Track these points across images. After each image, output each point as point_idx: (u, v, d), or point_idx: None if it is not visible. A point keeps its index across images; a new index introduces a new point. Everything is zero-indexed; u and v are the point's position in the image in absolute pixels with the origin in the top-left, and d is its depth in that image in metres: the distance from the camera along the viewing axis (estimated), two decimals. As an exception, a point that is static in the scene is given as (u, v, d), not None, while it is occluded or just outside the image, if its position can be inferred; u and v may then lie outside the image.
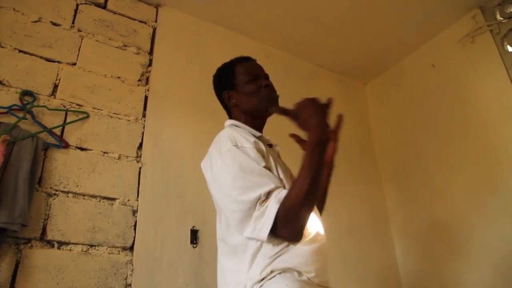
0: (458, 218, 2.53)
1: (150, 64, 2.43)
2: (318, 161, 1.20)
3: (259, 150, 1.30)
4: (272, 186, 1.18)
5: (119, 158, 2.10)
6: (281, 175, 1.32)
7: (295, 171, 1.26)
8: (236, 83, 1.54)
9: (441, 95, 2.81)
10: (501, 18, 2.52)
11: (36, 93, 1.99)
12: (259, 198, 1.15)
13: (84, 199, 1.93)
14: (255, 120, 1.53)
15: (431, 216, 2.69)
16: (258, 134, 1.45)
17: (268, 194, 1.16)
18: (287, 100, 2.93)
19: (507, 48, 2.47)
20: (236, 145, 1.28)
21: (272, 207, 1.13)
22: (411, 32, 2.90)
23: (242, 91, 1.52)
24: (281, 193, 1.16)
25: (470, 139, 2.56)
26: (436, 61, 2.90)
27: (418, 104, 2.97)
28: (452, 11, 2.72)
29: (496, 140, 2.43)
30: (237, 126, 1.47)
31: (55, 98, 2.05)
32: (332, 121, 2.95)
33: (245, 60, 1.59)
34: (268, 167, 1.27)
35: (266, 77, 1.59)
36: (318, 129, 1.23)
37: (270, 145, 1.48)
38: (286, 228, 1.13)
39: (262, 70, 1.59)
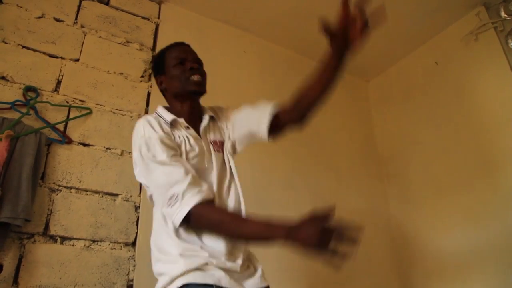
0: (461, 216, 2.52)
1: (153, 60, 2.44)
2: (261, 241, 1.26)
3: (163, 141, 1.32)
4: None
5: (121, 154, 2.10)
6: (191, 158, 1.36)
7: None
8: (165, 68, 1.55)
9: (444, 92, 2.80)
10: (506, 16, 2.51)
11: (39, 89, 2.00)
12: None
13: (87, 194, 1.94)
14: (183, 103, 1.52)
15: (434, 214, 2.69)
16: (170, 119, 1.44)
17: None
18: (288, 97, 2.93)
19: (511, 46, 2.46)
20: (143, 136, 1.35)
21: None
22: (414, 29, 2.89)
23: (169, 75, 1.53)
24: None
25: (473, 136, 2.56)
26: (440, 58, 2.89)
27: (421, 101, 2.96)
28: (456, 8, 2.71)
29: (500, 138, 2.42)
30: (156, 113, 1.49)
31: (58, 94, 2.05)
32: (333, 118, 2.92)
33: (177, 45, 1.60)
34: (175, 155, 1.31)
35: (196, 61, 1.56)
36: (310, 247, 1.14)
37: (187, 126, 1.46)
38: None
39: (193, 54, 1.58)
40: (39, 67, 2.05)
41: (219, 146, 1.50)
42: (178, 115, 1.47)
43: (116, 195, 2.01)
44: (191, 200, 1.20)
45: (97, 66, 2.23)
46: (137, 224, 2.00)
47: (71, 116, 2.03)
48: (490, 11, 2.60)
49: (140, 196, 2.06)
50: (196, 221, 1.22)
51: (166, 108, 1.51)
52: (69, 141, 1.98)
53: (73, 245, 1.81)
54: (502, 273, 2.25)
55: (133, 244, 1.95)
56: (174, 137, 1.39)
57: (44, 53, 2.10)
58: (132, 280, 1.88)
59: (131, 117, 2.21)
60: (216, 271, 1.22)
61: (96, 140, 2.07)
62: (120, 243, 1.92)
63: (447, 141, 2.70)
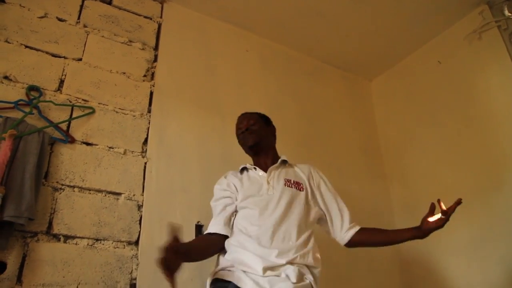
0: (464, 216, 2.50)
1: (155, 60, 2.44)
2: None
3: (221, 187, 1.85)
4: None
5: (124, 153, 2.11)
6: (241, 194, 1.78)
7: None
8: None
9: (447, 92, 2.79)
10: (509, 14, 2.50)
11: (43, 88, 2.00)
12: None
13: (90, 193, 1.94)
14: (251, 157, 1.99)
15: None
16: (242, 166, 1.92)
17: None
18: (291, 96, 2.96)
19: (515, 44, 2.45)
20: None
21: None
22: (417, 28, 2.89)
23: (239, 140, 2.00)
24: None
25: (476, 136, 2.55)
26: (443, 57, 2.88)
27: (424, 101, 2.95)
28: (459, 7, 2.70)
29: (503, 137, 2.41)
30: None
31: (61, 93, 2.06)
32: (336, 117, 2.92)
33: (238, 118, 2.01)
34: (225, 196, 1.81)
35: (248, 123, 1.93)
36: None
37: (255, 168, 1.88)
38: None
39: (246, 120, 1.95)
40: (42, 66, 2.06)
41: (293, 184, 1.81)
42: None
43: (119, 194, 2.01)
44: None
45: (100, 66, 2.23)
46: (140, 223, 2.00)
47: (74, 115, 2.04)
48: (493, 10, 2.59)
49: (143, 195, 2.07)
50: None
51: None
52: (72, 140, 1.98)
53: (76, 244, 1.81)
54: (506, 273, 2.25)
55: (136, 243, 1.96)
56: None
57: (47, 52, 2.10)
58: (135, 279, 1.88)
59: (134, 116, 2.21)
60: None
61: (99, 139, 2.07)
62: (123, 242, 1.93)
63: (450, 140, 2.69)
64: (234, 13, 2.80)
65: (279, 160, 1.88)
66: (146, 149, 2.18)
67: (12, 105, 1.86)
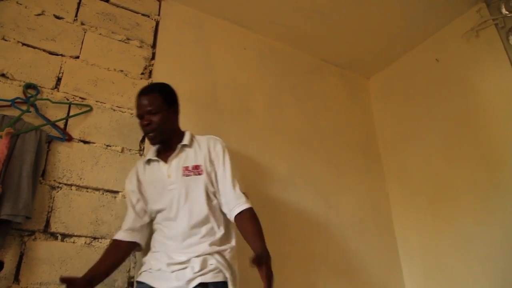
0: (461, 214, 2.52)
1: (153, 58, 2.44)
2: None
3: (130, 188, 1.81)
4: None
5: (122, 151, 2.10)
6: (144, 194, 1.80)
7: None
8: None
9: (445, 89, 2.80)
10: (507, 12, 2.50)
11: (40, 86, 2.00)
12: None
13: (87, 191, 1.94)
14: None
15: (434, 211, 2.69)
16: (148, 158, 1.84)
17: None
18: (289, 94, 2.95)
19: (512, 42, 2.46)
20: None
21: None
22: (415, 26, 2.89)
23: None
24: None
25: (474, 134, 2.55)
26: (440, 55, 2.88)
27: (422, 98, 2.96)
28: (457, 4, 2.70)
29: (500, 135, 2.42)
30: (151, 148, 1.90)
31: (58, 91, 2.05)
32: (334, 115, 2.93)
33: (137, 97, 1.81)
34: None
35: (148, 112, 1.76)
36: None
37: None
38: None
39: (144, 106, 1.77)
40: (39, 64, 2.05)
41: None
42: None
43: (117, 192, 2.01)
44: None
45: (97, 63, 2.23)
46: (137, 221, 2.00)
47: (71, 113, 2.03)
48: (491, 8, 2.59)
49: (140, 193, 2.06)
50: None
51: None
52: (69, 139, 1.98)
53: (73, 242, 1.81)
54: (502, 270, 2.25)
55: (134, 241, 1.95)
56: None
57: (44, 50, 2.09)
58: (133, 277, 1.88)
59: (132, 114, 2.21)
60: None
61: (96, 138, 2.07)
62: (120, 240, 1.92)
63: (448, 138, 2.70)
64: (232, 11, 2.79)
65: (178, 147, 1.79)
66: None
67: (9, 103, 1.85)
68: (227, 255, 1.66)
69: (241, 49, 2.88)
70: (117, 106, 2.19)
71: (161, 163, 1.78)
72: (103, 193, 1.97)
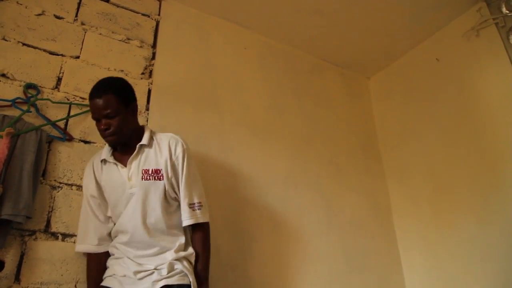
0: (462, 212, 2.52)
1: (153, 58, 2.44)
2: None
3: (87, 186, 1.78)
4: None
5: (122, 151, 2.10)
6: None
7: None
8: None
9: (445, 89, 2.80)
10: (507, 11, 2.50)
11: (40, 86, 2.00)
12: None
13: (88, 191, 1.94)
14: None
15: (435, 210, 2.69)
16: (103, 158, 1.75)
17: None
18: (289, 94, 2.95)
19: (513, 42, 2.45)
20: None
21: None
22: (415, 26, 2.89)
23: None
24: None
25: (474, 133, 2.55)
26: (441, 55, 2.88)
27: (422, 98, 2.96)
28: (457, 4, 2.70)
29: (501, 133, 2.42)
30: (105, 146, 1.82)
31: (58, 91, 2.05)
32: (334, 114, 2.94)
33: (90, 98, 1.66)
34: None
35: (106, 116, 1.64)
36: None
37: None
38: None
39: (100, 110, 1.63)
40: (39, 64, 2.05)
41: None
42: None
43: (117, 192, 2.01)
44: None
45: (98, 63, 2.23)
46: (138, 221, 2.00)
47: (71, 113, 2.03)
48: (491, 7, 2.59)
49: (141, 193, 2.06)
50: None
51: None
52: (70, 138, 1.98)
53: (74, 242, 1.81)
54: (503, 269, 2.25)
55: (134, 241, 1.95)
56: None
57: (44, 50, 2.09)
58: None
59: (132, 114, 2.21)
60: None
61: (96, 137, 2.05)
62: (121, 240, 1.92)
63: (448, 137, 2.70)
64: (233, 11, 2.79)
65: (137, 147, 1.71)
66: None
67: (9, 103, 1.85)
68: (192, 259, 1.67)
69: (241, 49, 2.88)
70: (117, 106, 2.18)
71: (119, 166, 1.71)
72: (103, 193, 1.97)
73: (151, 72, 2.39)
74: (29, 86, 1.96)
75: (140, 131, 1.78)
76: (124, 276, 1.59)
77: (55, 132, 1.94)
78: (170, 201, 1.70)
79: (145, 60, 2.39)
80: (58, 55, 2.12)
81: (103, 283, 1.63)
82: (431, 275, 2.62)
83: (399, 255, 2.86)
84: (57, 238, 1.79)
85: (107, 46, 2.30)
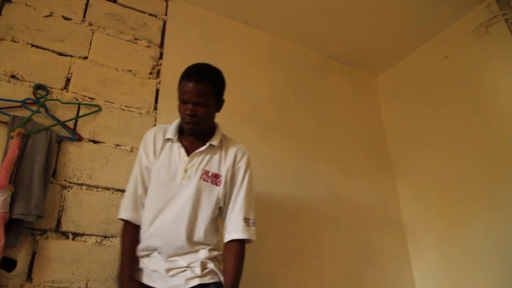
0: (471, 210, 2.50)
1: (160, 57, 2.44)
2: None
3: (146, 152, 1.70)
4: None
5: (131, 150, 2.11)
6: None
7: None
8: (178, 92, 1.68)
9: (454, 86, 2.77)
10: (516, 7, 2.48)
11: (49, 87, 2.01)
12: None
13: (98, 191, 1.95)
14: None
15: (444, 209, 2.67)
16: (168, 137, 1.71)
17: None
18: (296, 92, 2.95)
19: (523, 38, 2.43)
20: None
21: None
22: (424, 23, 2.87)
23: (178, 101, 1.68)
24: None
25: (484, 131, 2.53)
26: (449, 52, 2.86)
27: (431, 96, 2.94)
28: (466, 0, 2.67)
29: (511, 131, 2.39)
30: (174, 123, 1.76)
31: (67, 91, 2.07)
32: (342, 113, 2.92)
33: (185, 81, 1.63)
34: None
35: (196, 103, 1.61)
36: None
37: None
38: None
39: (194, 96, 1.59)
40: (48, 65, 2.06)
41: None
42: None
43: (127, 191, 2.02)
44: None
45: (106, 64, 2.24)
46: (147, 220, 2.01)
47: (80, 113, 2.05)
48: (500, 3, 2.56)
49: (150, 192, 2.07)
50: None
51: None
52: (79, 138, 1.99)
53: (85, 241, 1.83)
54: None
55: (144, 240, 1.96)
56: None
57: (53, 51, 2.11)
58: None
59: (140, 113, 2.22)
60: None
61: (106, 137, 2.08)
62: (131, 239, 1.93)
63: (458, 135, 2.68)
64: (239, 10, 2.79)
65: (207, 145, 1.68)
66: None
67: (19, 103, 1.87)
68: (220, 260, 1.64)
69: (248, 48, 2.88)
70: (126, 106, 2.20)
71: (182, 152, 1.66)
72: (113, 192, 1.98)
73: (158, 71, 2.40)
74: (38, 87, 1.98)
75: (212, 127, 1.76)
76: (155, 271, 1.55)
77: (64, 132, 1.96)
78: (216, 210, 1.66)
79: (152, 60, 2.40)
80: (66, 55, 2.14)
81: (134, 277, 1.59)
82: (441, 274, 2.60)
83: (408, 252, 2.85)
84: (67, 237, 1.80)
85: (115, 46, 2.31)
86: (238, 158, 1.73)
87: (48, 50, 2.10)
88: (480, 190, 2.47)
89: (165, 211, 1.59)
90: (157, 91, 2.34)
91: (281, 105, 2.80)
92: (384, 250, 2.75)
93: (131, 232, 1.62)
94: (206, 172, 1.64)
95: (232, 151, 1.73)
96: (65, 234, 1.80)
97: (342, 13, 2.80)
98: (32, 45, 2.06)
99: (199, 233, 1.59)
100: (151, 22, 2.51)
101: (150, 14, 2.52)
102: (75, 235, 1.82)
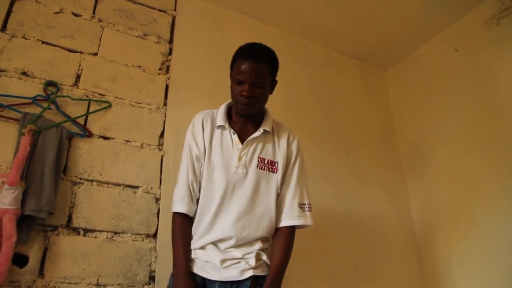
0: (482, 205, 2.48)
1: (170, 53, 2.44)
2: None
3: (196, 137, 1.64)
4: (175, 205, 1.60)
5: (141, 146, 2.12)
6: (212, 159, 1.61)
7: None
8: (230, 75, 1.65)
9: (464, 80, 2.74)
10: (529, -1, 2.44)
11: (60, 84, 2.02)
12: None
13: (108, 187, 1.96)
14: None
15: (455, 203, 2.65)
16: (221, 124, 1.65)
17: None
18: (306, 87, 2.94)
19: (535, 30, 2.40)
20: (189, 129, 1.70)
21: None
22: (434, 15, 2.83)
23: (231, 85, 1.64)
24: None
25: (495, 124, 2.50)
26: (460, 45, 2.83)
27: (441, 89, 2.91)
28: (477, -7, 2.65)
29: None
30: (222, 108, 1.73)
31: (78, 88, 2.07)
32: (352, 107, 2.89)
33: (243, 58, 1.57)
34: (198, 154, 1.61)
35: (253, 84, 1.55)
36: None
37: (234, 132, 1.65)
38: None
39: (251, 76, 1.54)
40: (58, 62, 2.07)
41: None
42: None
43: (137, 187, 2.03)
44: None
45: (116, 60, 2.24)
46: (158, 216, 2.02)
47: (91, 109, 2.05)
48: (512, -5, 2.53)
49: (160, 188, 2.08)
50: None
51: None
52: (89, 135, 2.00)
53: (95, 237, 1.84)
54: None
55: (154, 235, 1.97)
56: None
57: (63, 48, 2.12)
58: (154, 271, 1.90)
59: (150, 109, 2.22)
60: None
61: (116, 133, 2.08)
62: (141, 234, 1.94)
63: (469, 129, 2.65)
64: (248, 4, 2.78)
65: (261, 131, 1.64)
66: (162, 142, 2.19)
67: (30, 100, 1.88)
68: (270, 250, 1.61)
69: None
70: (135, 102, 2.20)
71: (236, 138, 1.62)
72: (123, 188, 1.99)
73: (168, 67, 2.40)
74: (49, 83, 1.98)
75: (262, 111, 1.72)
76: (207, 262, 1.51)
77: (75, 129, 1.97)
78: (276, 196, 1.61)
79: (162, 56, 2.40)
80: (76, 52, 2.14)
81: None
82: (452, 269, 2.59)
83: (419, 249, 2.83)
84: (78, 233, 1.82)
85: (124, 42, 2.31)
86: (291, 140, 1.70)
87: (58, 46, 2.11)
88: (492, 185, 2.45)
89: (224, 204, 1.55)
90: (167, 86, 2.34)
91: (290, 100, 2.79)
92: (394, 245, 2.74)
93: (185, 225, 1.57)
94: (262, 160, 1.60)
95: (284, 135, 1.70)
96: (76, 230, 1.81)
97: (351, 8, 2.77)
98: (43, 42, 2.07)
99: (258, 220, 1.55)
100: (160, 18, 2.51)
101: (159, 10, 2.52)
102: (86, 231, 1.84)
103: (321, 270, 2.40)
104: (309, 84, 2.96)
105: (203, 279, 1.50)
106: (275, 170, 1.62)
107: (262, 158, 1.61)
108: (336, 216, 2.59)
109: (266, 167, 1.60)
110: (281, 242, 1.58)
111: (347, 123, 3.00)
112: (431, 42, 3.08)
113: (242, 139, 1.62)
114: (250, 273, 1.49)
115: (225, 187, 1.55)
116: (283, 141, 1.68)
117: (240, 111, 1.63)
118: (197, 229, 1.57)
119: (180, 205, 1.57)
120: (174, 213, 1.59)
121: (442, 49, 2.97)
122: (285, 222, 1.60)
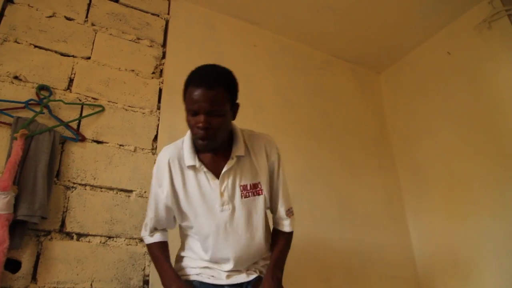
0: (476, 206, 2.49)
1: (163, 57, 2.44)
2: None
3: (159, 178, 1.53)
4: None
5: (135, 150, 2.11)
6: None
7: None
8: (184, 102, 1.45)
9: (457, 83, 2.76)
10: (520, 3, 2.47)
11: (52, 88, 2.01)
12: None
13: (102, 191, 1.95)
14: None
15: (448, 205, 2.67)
16: (190, 164, 1.48)
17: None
18: (301, 91, 2.94)
19: (526, 34, 2.42)
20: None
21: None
22: (426, 19, 2.85)
23: (186, 113, 1.44)
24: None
25: (487, 126, 2.52)
26: (452, 48, 2.85)
27: (434, 92, 2.93)
28: (468, -4, 2.67)
29: (514, 127, 2.39)
30: (186, 142, 1.54)
31: (70, 92, 2.07)
32: (346, 110, 2.91)
33: (195, 85, 1.36)
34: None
35: (209, 112, 1.36)
36: None
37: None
38: None
39: (206, 104, 1.34)
40: (51, 66, 2.06)
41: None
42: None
43: (131, 191, 2.02)
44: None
45: (109, 64, 2.24)
46: (151, 220, 2.01)
47: (84, 114, 2.05)
48: (503, -2, 2.56)
49: (154, 192, 2.07)
50: None
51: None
52: (82, 139, 1.99)
53: (89, 242, 1.83)
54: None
55: (148, 239, 1.97)
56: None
57: (56, 52, 2.11)
58: (148, 275, 1.90)
59: (143, 113, 2.22)
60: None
61: (109, 137, 2.08)
62: (135, 239, 1.94)
63: (461, 131, 2.67)
64: (242, 8, 2.79)
65: (234, 158, 1.49)
66: (156, 146, 2.18)
67: (22, 104, 1.87)
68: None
69: (251, 46, 2.87)
70: (129, 106, 2.20)
71: (210, 175, 1.48)
72: (117, 193, 1.99)
73: (161, 71, 2.40)
74: (41, 87, 1.98)
75: (230, 133, 1.54)
76: (213, 276, 1.50)
77: (68, 133, 1.96)
78: (265, 212, 1.58)
79: (155, 60, 2.40)
80: (69, 56, 2.14)
81: (184, 276, 1.52)
82: (445, 270, 2.60)
83: (412, 251, 2.84)
84: (72, 238, 1.81)
85: (117, 46, 2.31)
86: (269, 152, 1.58)
87: (51, 50, 2.10)
88: (484, 186, 2.46)
89: (219, 244, 1.48)
90: (160, 90, 2.34)
91: (284, 103, 2.80)
92: (388, 246, 2.75)
93: (162, 245, 1.58)
94: (244, 187, 1.49)
95: (261, 150, 1.56)
96: (69, 235, 1.81)
97: (345, 11, 2.78)
98: (35, 46, 2.07)
99: (257, 248, 1.52)
100: (153, 22, 2.51)
101: (152, 14, 2.52)
102: (80, 235, 1.83)
103: (316, 272, 2.40)
104: (303, 87, 2.96)
105: (207, 285, 1.48)
106: (260, 191, 1.51)
107: (244, 185, 1.49)
108: (330, 218, 2.59)
109: (250, 193, 1.50)
110: (278, 243, 1.60)
111: (341, 126, 3.01)
112: (424, 45, 3.10)
113: (217, 173, 1.48)
114: (255, 274, 1.52)
115: (215, 230, 1.47)
116: (261, 157, 1.55)
117: (200, 147, 1.45)
118: (196, 258, 1.55)
119: (151, 238, 1.58)
120: (148, 244, 1.60)
121: (434, 53, 2.99)
122: (278, 228, 1.63)
